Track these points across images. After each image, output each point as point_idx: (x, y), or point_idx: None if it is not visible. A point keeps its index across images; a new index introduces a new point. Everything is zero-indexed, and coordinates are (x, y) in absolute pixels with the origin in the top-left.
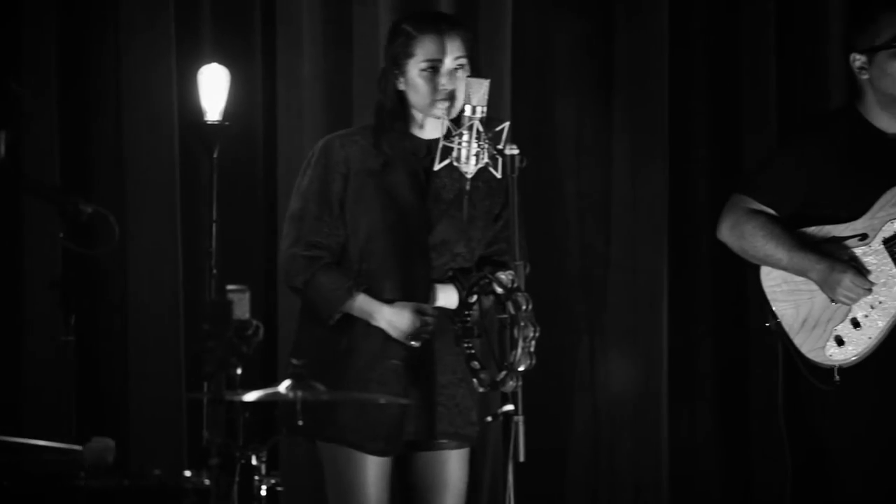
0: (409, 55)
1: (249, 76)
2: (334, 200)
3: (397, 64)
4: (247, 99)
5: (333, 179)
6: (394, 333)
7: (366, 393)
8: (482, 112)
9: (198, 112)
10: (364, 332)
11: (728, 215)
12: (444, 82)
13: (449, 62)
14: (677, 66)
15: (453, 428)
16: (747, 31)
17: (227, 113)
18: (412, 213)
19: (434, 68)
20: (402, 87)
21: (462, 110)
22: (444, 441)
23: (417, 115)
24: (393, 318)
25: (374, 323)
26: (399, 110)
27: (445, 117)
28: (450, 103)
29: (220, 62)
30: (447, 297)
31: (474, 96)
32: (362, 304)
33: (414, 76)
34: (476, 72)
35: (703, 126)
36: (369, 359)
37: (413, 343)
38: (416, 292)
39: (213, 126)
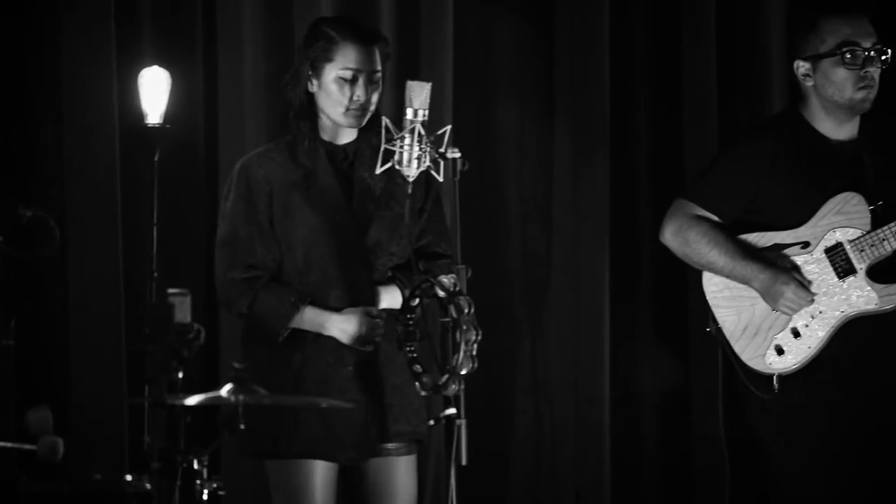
0: (328, 59)
1: (190, 78)
2: (263, 220)
3: (314, 66)
4: (188, 101)
5: (259, 199)
6: (346, 340)
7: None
8: (424, 115)
9: (138, 115)
10: (315, 345)
11: (671, 220)
12: (359, 93)
13: (367, 74)
14: (618, 68)
15: (410, 427)
16: (688, 33)
17: (168, 115)
18: (343, 219)
19: (353, 79)
20: (313, 89)
21: (404, 114)
22: (398, 445)
23: (325, 120)
24: (344, 325)
25: (325, 332)
26: (306, 112)
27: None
28: (360, 114)
29: (161, 65)
30: (391, 297)
31: (416, 99)
32: (311, 316)
33: (329, 81)
34: (383, 84)
35: (644, 128)
36: (325, 370)
37: (367, 348)
38: (360, 296)
39: (153, 129)
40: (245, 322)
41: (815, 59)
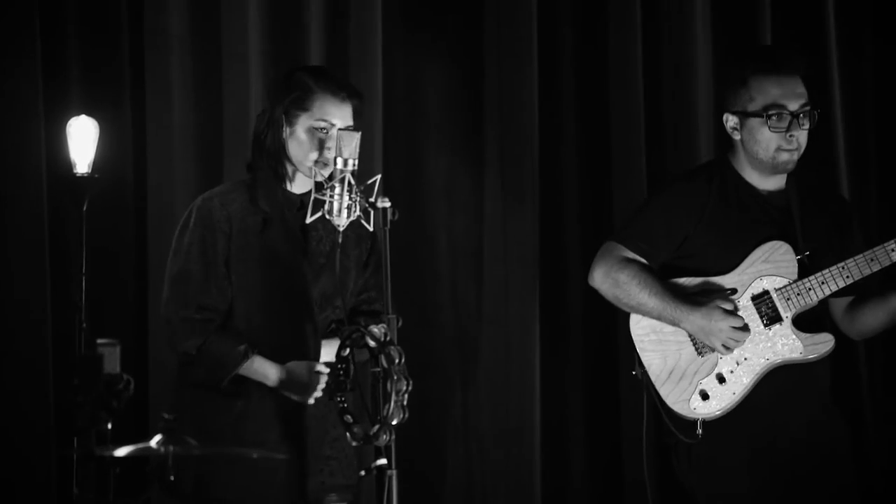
0: (304, 109)
1: (118, 127)
2: (219, 261)
3: (287, 113)
4: (116, 150)
5: (216, 239)
6: (290, 393)
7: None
8: (353, 164)
9: (67, 164)
10: (259, 395)
11: (601, 262)
12: (330, 146)
13: (338, 127)
14: (547, 118)
15: (345, 480)
16: (616, 84)
17: (97, 165)
18: (294, 269)
19: (326, 130)
20: (284, 136)
21: (334, 163)
22: (334, 496)
23: (289, 168)
24: (288, 378)
25: (269, 384)
26: (275, 154)
27: (319, 176)
28: (325, 168)
29: (89, 113)
30: (332, 350)
31: (346, 149)
32: (258, 366)
33: (301, 131)
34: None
35: (573, 178)
36: (266, 420)
37: (309, 401)
38: (305, 347)
39: (82, 178)
40: (181, 364)
41: (742, 116)
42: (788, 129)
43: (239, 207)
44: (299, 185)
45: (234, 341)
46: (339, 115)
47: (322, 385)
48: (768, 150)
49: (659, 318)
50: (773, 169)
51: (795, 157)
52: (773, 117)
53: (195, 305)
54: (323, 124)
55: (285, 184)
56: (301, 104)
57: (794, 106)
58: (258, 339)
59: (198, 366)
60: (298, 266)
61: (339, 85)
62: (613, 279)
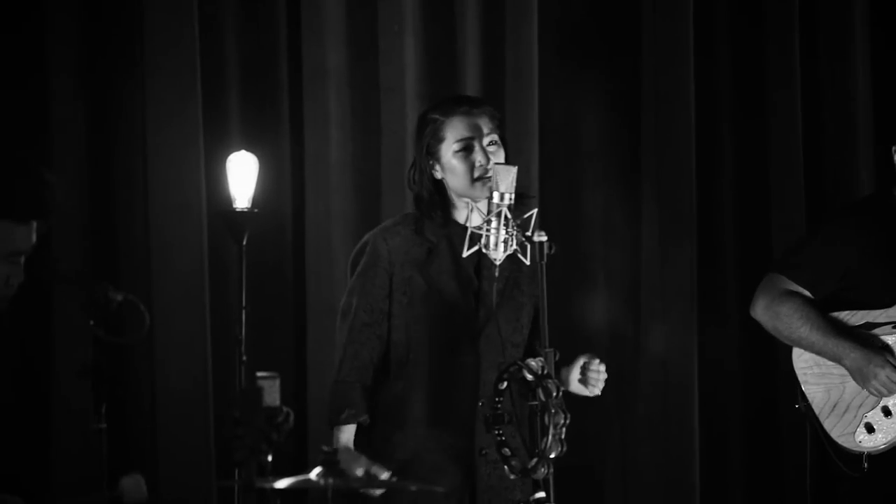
0: (441, 139)
1: (278, 163)
2: (379, 297)
3: (430, 152)
4: (275, 186)
5: (376, 275)
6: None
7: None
8: (510, 199)
9: (226, 199)
10: (416, 424)
11: (763, 294)
12: (479, 159)
13: (481, 139)
14: (704, 150)
15: None
16: (775, 119)
17: (256, 200)
18: (458, 302)
19: (467, 147)
20: (438, 175)
21: (490, 197)
22: None
23: (458, 202)
24: (345, 458)
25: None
26: (437, 200)
27: (476, 206)
28: (489, 181)
29: (248, 148)
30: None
31: (502, 183)
32: (343, 438)
33: (448, 159)
34: (507, 148)
35: (731, 210)
36: (422, 451)
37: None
38: (462, 381)
39: (242, 213)
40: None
41: None
42: None
43: (402, 240)
44: (473, 219)
45: (355, 397)
46: (474, 129)
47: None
48: None
49: (819, 353)
50: None
51: None
52: None
53: (352, 351)
54: (462, 143)
55: (455, 216)
56: (437, 137)
57: None
58: (418, 371)
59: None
60: (463, 299)
61: (462, 101)
62: (775, 312)
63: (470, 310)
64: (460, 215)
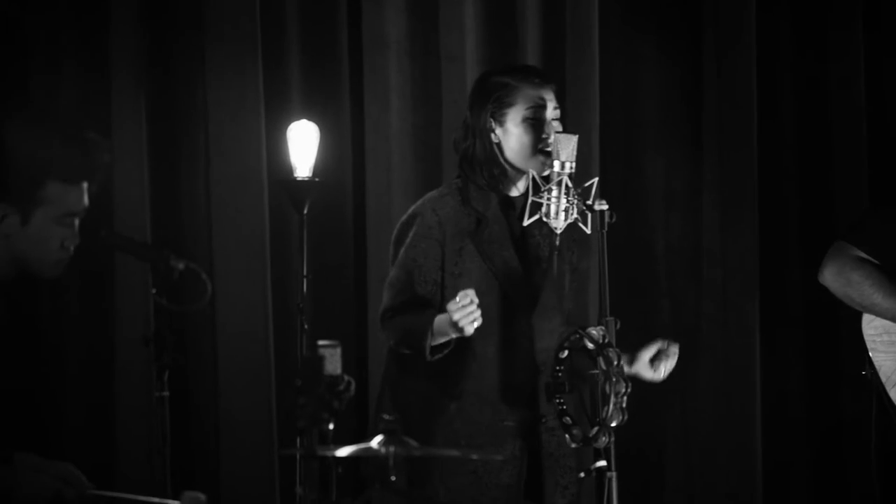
0: (509, 104)
1: (338, 132)
2: (431, 268)
3: (494, 115)
4: (335, 154)
5: (429, 246)
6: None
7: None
8: (571, 167)
9: (287, 168)
10: (473, 397)
11: (832, 261)
12: (547, 130)
13: (550, 111)
14: (766, 115)
15: (564, 481)
16: (837, 86)
17: (317, 169)
18: (511, 272)
19: (537, 118)
20: (496, 139)
21: (551, 166)
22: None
23: (509, 171)
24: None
25: (448, 331)
26: (491, 161)
27: (535, 173)
28: (547, 157)
29: (309, 118)
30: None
31: (563, 152)
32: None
33: (514, 126)
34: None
35: (793, 178)
36: (480, 421)
37: (466, 330)
38: (517, 346)
39: (303, 182)
40: (398, 365)
41: None
42: None
43: (451, 210)
44: (515, 189)
45: (421, 310)
46: (541, 98)
47: (474, 315)
48: None
49: (893, 319)
50: None
51: None
52: None
53: (398, 303)
54: (530, 113)
55: (503, 188)
56: (506, 102)
57: None
58: (473, 339)
59: (400, 345)
60: (514, 268)
61: (535, 73)
62: (846, 278)
63: (521, 278)
64: (509, 182)
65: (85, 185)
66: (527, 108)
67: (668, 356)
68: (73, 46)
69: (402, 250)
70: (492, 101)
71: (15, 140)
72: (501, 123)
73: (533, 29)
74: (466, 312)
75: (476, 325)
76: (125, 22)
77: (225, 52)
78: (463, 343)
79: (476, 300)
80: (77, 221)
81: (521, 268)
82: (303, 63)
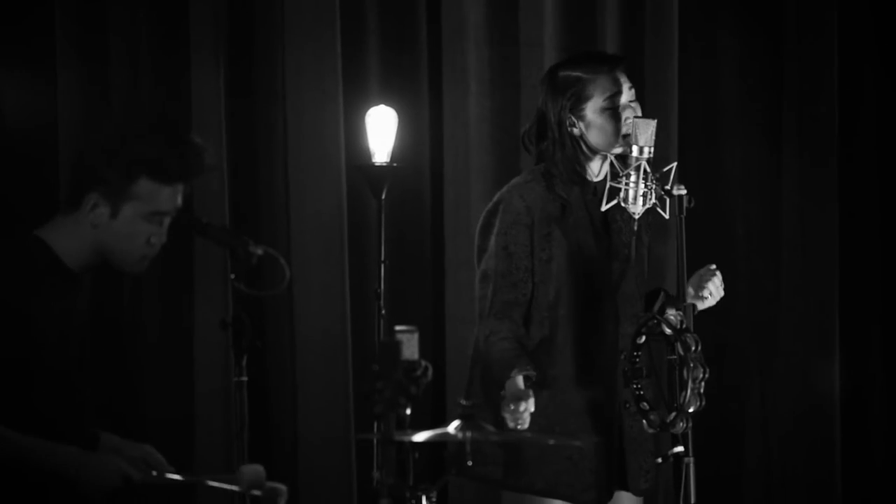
0: (587, 98)
1: (416, 117)
2: (523, 255)
3: (573, 110)
4: (414, 140)
5: (519, 233)
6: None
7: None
8: (649, 152)
9: (365, 154)
10: (564, 386)
11: None
12: (627, 114)
13: (626, 94)
14: (846, 102)
15: (647, 465)
16: None
17: (395, 154)
18: (595, 257)
19: (615, 106)
20: (577, 132)
21: (629, 150)
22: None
23: (593, 157)
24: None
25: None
26: (576, 156)
27: (614, 157)
28: (629, 137)
29: (388, 103)
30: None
31: (641, 136)
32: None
33: (595, 117)
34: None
35: (873, 166)
36: (569, 411)
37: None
38: (603, 335)
39: (381, 168)
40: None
41: None
42: None
43: (537, 196)
44: (594, 174)
45: (517, 351)
46: (616, 83)
47: (522, 421)
48: None
49: None
50: None
51: None
52: None
53: (498, 307)
54: (612, 100)
55: (584, 173)
56: (582, 96)
57: None
58: (558, 326)
59: (485, 364)
60: (599, 254)
61: (606, 60)
62: None
63: (604, 264)
64: (592, 170)
65: (180, 186)
66: (604, 99)
67: (709, 278)
68: (152, 31)
69: (493, 238)
70: (567, 98)
71: (114, 133)
72: (582, 118)
73: (612, 13)
74: (516, 417)
75: (522, 427)
76: (204, 9)
77: (304, 37)
78: (550, 330)
79: (531, 409)
80: (167, 221)
81: (604, 253)
82: (381, 48)
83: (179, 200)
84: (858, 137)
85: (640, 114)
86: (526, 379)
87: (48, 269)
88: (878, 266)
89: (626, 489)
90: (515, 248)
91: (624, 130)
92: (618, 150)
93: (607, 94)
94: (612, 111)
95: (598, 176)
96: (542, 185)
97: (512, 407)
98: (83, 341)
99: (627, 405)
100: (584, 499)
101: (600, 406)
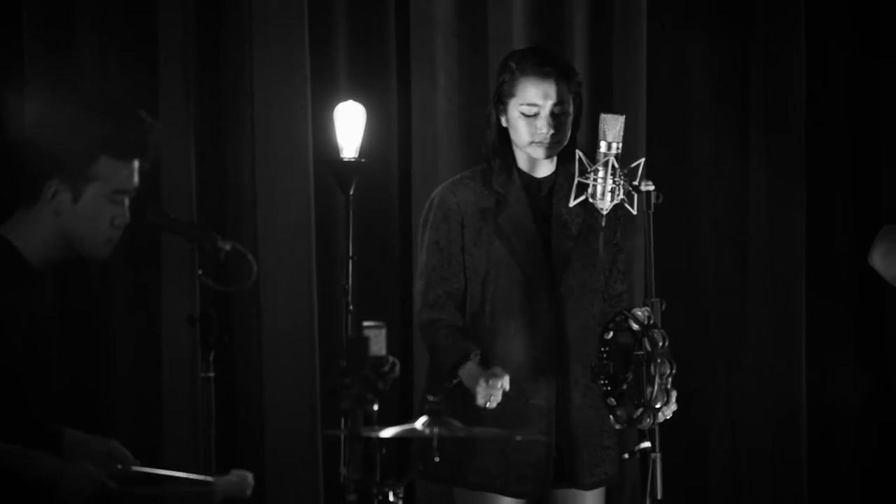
0: (511, 94)
1: (384, 113)
2: (454, 250)
3: (501, 101)
4: (382, 135)
5: (450, 227)
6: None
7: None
8: (617, 148)
9: (333, 149)
10: (513, 387)
11: (881, 243)
12: (540, 126)
13: (548, 108)
14: (814, 96)
15: (599, 475)
16: (886, 71)
17: (363, 150)
18: (532, 249)
19: (529, 115)
20: (504, 123)
21: (598, 146)
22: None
23: (518, 152)
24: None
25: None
26: (500, 145)
27: (542, 158)
28: (548, 147)
29: (356, 99)
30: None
31: (610, 132)
32: (468, 370)
33: (514, 116)
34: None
35: (842, 162)
36: (506, 403)
37: (485, 404)
38: (540, 325)
39: (349, 163)
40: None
41: None
42: None
43: (470, 192)
44: (542, 169)
45: (461, 339)
46: (543, 95)
47: (495, 398)
48: None
49: None
50: None
51: None
52: None
53: (428, 304)
54: (527, 108)
55: (524, 167)
56: (509, 90)
57: None
58: (493, 321)
59: (431, 358)
60: (535, 247)
61: (543, 64)
62: (892, 261)
63: (541, 258)
64: (528, 166)
65: (136, 163)
66: (523, 104)
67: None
68: (121, 26)
69: (426, 234)
70: (499, 86)
71: (68, 115)
72: (506, 111)
73: (580, 10)
74: (490, 395)
75: (491, 406)
76: (172, 2)
77: (271, 32)
78: (484, 324)
79: (507, 387)
80: (127, 200)
81: (544, 247)
82: (349, 43)
83: (136, 178)
84: (826, 132)
85: (564, 130)
86: (481, 360)
87: (10, 270)
88: (846, 260)
89: (574, 484)
90: (446, 243)
91: (534, 139)
92: (536, 155)
93: (526, 100)
94: (526, 119)
95: (547, 171)
96: (479, 182)
97: (490, 382)
98: (49, 339)
99: (570, 400)
100: (517, 491)
101: (541, 399)
